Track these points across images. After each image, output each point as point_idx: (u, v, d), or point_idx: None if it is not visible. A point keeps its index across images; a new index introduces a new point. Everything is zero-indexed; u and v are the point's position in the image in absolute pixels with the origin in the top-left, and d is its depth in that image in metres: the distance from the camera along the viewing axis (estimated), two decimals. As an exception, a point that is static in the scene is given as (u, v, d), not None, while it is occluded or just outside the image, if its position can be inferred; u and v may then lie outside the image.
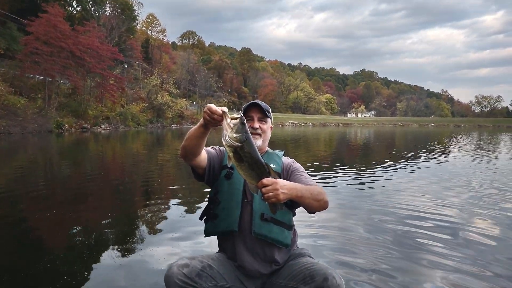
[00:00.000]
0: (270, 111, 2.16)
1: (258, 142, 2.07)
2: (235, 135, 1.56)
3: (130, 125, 37.20)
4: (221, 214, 1.99)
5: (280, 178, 1.99)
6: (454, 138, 28.05)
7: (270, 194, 1.62)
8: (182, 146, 1.87)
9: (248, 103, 2.14)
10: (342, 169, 9.53)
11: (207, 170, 2.04)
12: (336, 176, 8.27)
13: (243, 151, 1.58)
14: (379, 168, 9.83)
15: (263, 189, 1.62)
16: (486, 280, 2.97)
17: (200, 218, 2.13)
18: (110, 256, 3.51)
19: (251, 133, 1.98)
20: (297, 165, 2.14)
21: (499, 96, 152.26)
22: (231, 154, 1.60)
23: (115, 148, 17.25)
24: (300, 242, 2.27)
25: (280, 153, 2.21)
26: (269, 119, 2.16)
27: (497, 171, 9.53)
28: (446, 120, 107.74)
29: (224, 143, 1.60)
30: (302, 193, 1.75)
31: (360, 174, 8.76)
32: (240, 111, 1.65)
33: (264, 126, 2.12)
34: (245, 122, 1.59)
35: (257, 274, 1.98)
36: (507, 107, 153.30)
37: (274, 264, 1.99)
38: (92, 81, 34.26)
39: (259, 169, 1.62)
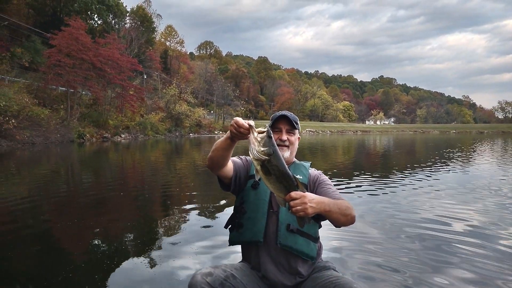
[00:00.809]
0: (298, 122, 2.14)
1: (285, 154, 2.06)
2: (262, 149, 1.55)
3: (149, 134, 37.73)
4: (247, 224, 1.98)
5: (306, 190, 1.95)
6: (477, 145, 27.28)
7: (299, 207, 1.59)
8: (209, 157, 1.88)
9: (277, 114, 2.12)
10: (362, 177, 9.35)
11: (233, 180, 2.03)
12: (356, 185, 8.12)
13: (270, 164, 1.57)
14: (400, 176, 9.60)
15: (291, 203, 1.60)
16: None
17: (225, 227, 2.12)
18: (131, 265, 3.50)
19: (279, 145, 2.01)
20: (324, 177, 2.11)
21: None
22: (258, 168, 1.59)
23: (134, 157, 17.48)
24: (324, 254, 2.19)
25: (307, 164, 2.18)
26: (297, 131, 2.14)
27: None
28: (468, 127, 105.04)
29: (251, 156, 1.59)
30: (330, 208, 1.72)
31: (381, 182, 8.57)
32: (267, 125, 1.63)
33: (292, 138, 2.11)
34: (272, 135, 1.58)
35: (280, 286, 1.95)
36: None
37: (298, 276, 1.95)
38: (113, 91, 34.98)
39: (287, 182, 1.60)
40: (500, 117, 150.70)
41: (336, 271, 1.98)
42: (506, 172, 10.74)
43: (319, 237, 2.04)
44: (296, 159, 2.21)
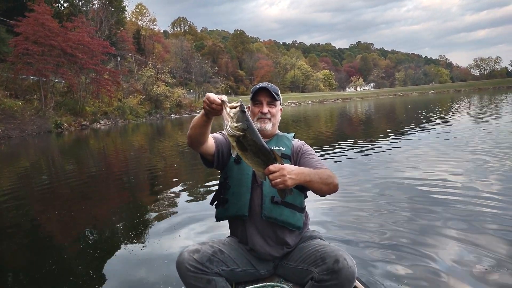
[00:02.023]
0: (279, 93, 2.11)
1: (267, 126, 2.05)
2: (235, 125, 1.50)
3: (129, 118, 37.04)
4: (231, 199, 1.97)
5: (290, 161, 1.98)
6: (454, 104, 27.82)
7: (278, 180, 1.57)
8: (188, 135, 1.84)
9: (256, 87, 2.08)
10: (345, 143, 9.45)
11: (215, 157, 2.00)
12: (340, 151, 8.20)
13: (246, 140, 1.53)
14: (382, 140, 9.74)
15: (270, 176, 1.58)
16: (497, 245, 2.91)
17: (211, 203, 2.11)
18: (121, 249, 3.51)
19: (261, 118, 2.03)
20: (307, 147, 2.10)
21: (498, 57, 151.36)
22: (234, 144, 1.55)
23: (116, 143, 17.21)
24: (312, 223, 2.21)
25: (290, 135, 2.17)
26: (278, 102, 2.10)
27: (500, 132, 9.41)
28: (445, 86, 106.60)
29: (225, 133, 1.55)
30: (310, 178, 1.71)
31: (364, 147, 8.69)
32: (240, 99, 1.58)
33: (273, 110, 2.07)
34: (245, 109, 1.53)
35: (268, 257, 1.97)
36: (506, 68, 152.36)
37: (286, 247, 1.97)
38: (87, 77, 33.92)
39: (265, 156, 1.58)
40: (476, 74, 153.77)
41: (322, 239, 2.01)
42: (485, 127, 11.00)
43: (305, 207, 2.04)
44: (279, 131, 2.18)
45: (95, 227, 4.45)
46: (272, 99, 2.06)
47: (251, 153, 1.56)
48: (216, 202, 2.08)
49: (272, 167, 1.57)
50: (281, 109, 2.15)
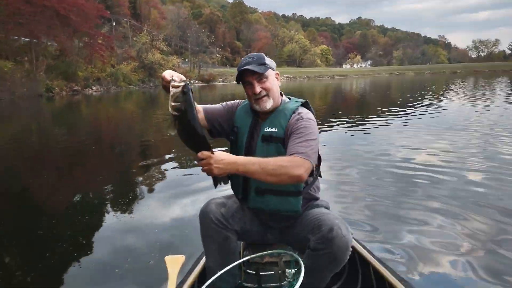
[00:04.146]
0: (264, 62, 1.83)
1: (268, 104, 1.82)
2: (173, 104, 1.47)
3: (122, 85, 36.51)
4: (231, 179, 1.93)
5: (282, 144, 1.80)
6: (449, 85, 27.80)
7: (205, 168, 1.55)
8: None
9: (238, 69, 1.85)
10: (339, 120, 9.47)
11: (213, 129, 1.97)
12: (334, 127, 8.24)
13: (182, 121, 1.50)
14: (375, 119, 9.78)
15: (199, 163, 1.56)
16: (480, 223, 3.05)
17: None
18: (111, 216, 3.58)
19: (256, 99, 1.82)
20: (302, 123, 1.79)
21: (496, 40, 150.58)
22: (171, 122, 1.53)
23: (108, 110, 17.05)
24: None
25: (294, 106, 1.88)
26: (269, 71, 1.83)
27: (489, 115, 9.51)
28: (442, 67, 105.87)
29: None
30: (246, 169, 1.57)
31: (358, 124, 8.73)
32: (187, 80, 1.51)
33: (267, 84, 1.82)
34: (189, 91, 1.46)
35: (275, 227, 1.94)
36: (504, 51, 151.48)
37: (292, 218, 1.88)
38: (80, 41, 33.12)
39: (197, 142, 1.56)
40: (473, 56, 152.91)
41: (327, 208, 1.90)
42: (475, 110, 11.07)
43: (302, 189, 1.82)
44: (286, 98, 1.95)
45: (86, 194, 4.48)
46: (260, 75, 1.80)
47: (186, 136, 1.55)
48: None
49: (200, 154, 1.54)
50: (277, 73, 1.90)
